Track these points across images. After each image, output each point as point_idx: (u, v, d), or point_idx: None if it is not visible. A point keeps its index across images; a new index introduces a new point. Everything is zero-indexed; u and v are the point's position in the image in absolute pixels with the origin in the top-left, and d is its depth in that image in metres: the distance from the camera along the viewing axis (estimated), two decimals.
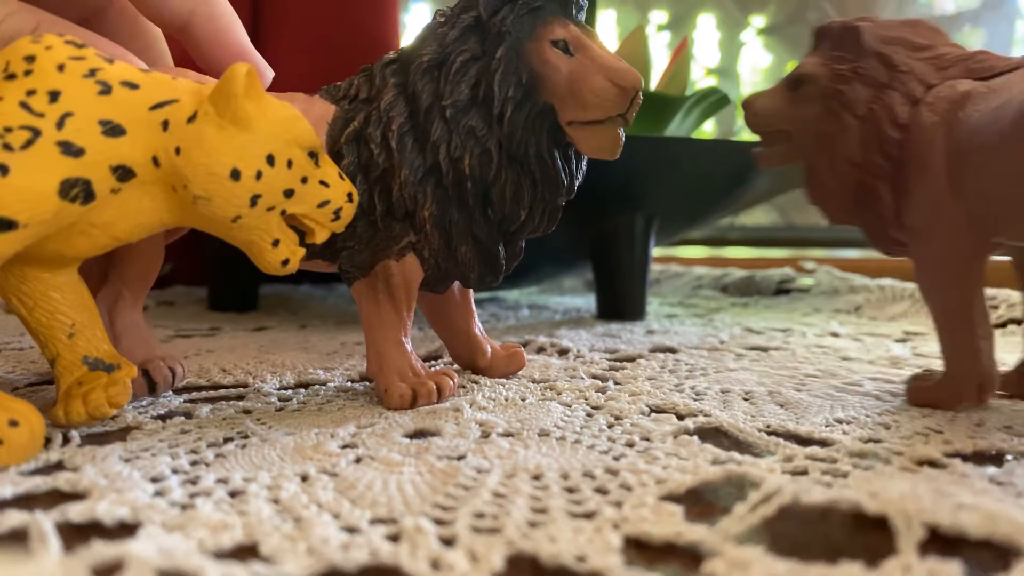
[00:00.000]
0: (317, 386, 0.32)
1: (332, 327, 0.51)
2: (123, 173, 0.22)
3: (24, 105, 0.21)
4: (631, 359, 0.38)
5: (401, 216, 0.28)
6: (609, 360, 0.38)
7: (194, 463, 0.22)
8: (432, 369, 0.30)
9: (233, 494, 0.19)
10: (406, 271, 0.29)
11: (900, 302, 0.58)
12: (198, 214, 0.23)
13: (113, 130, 0.22)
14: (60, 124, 0.21)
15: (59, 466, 0.21)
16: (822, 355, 0.39)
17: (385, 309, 0.29)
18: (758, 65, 1.04)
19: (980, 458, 0.23)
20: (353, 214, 0.26)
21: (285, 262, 0.25)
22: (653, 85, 0.57)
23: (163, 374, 0.30)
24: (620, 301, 0.54)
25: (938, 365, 0.29)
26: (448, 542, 0.16)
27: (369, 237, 0.29)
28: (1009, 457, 0.23)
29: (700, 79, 1.04)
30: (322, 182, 0.25)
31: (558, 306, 0.64)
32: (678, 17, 1.07)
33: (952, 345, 0.28)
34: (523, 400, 0.29)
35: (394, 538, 0.17)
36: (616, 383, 0.32)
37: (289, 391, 0.31)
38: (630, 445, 0.23)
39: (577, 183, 0.30)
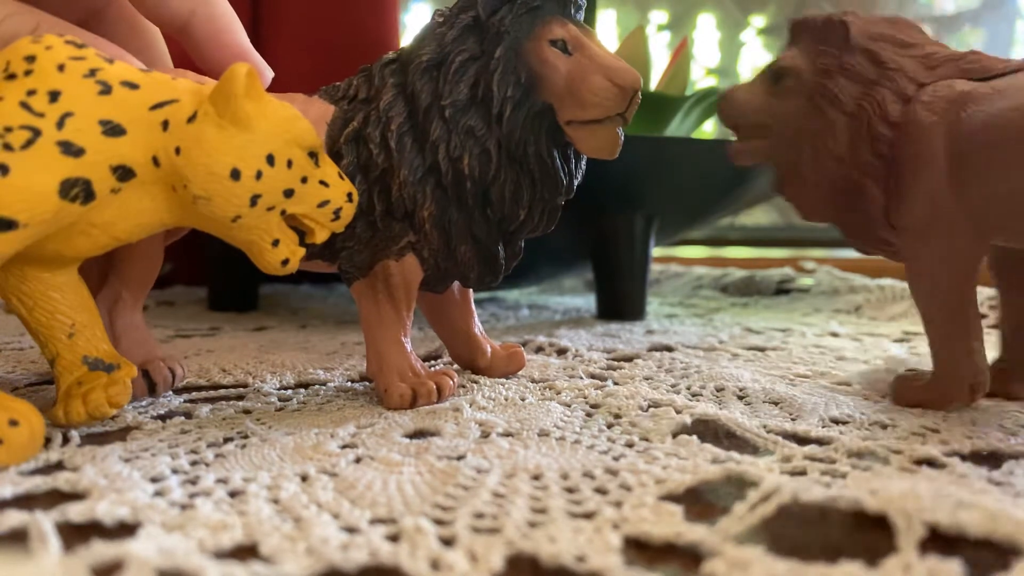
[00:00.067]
0: (317, 386, 0.32)
1: (332, 327, 0.51)
2: (123, 173, 0.22)
3: (24, 105, 0.21)
4: (629, 359, 0.38)
5: (400, 216, 0.28)
6: (607, 359, 0.38)
7: (194, 463, 0.22)
8: (432, 369, 0.30)
9: (233, 494, 0.19)
10: (406, 271, 0.29)
11: (900, 302, 0.58)
12: (198, 214, 0.23)
13: (113, 130, 0.22)
14: (60, 124, 0.21)
15: (59, 466, 0.21)
16: (819, 355, 0.40)
17: (385, 309, 0.29)
18: (758, 65, 1.04)
19: (978, 457, 0.23)
20: (353, 214, 0.26)
21: (285, 262, 0.25)
22: (653, 85, 0.57)
23: (163, 375, 0.30)
24: (620, 301, 0.54)
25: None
26: (448, 542, 0.16)
27: (368, 237, 0.29)
28: (1007, 457, 0.23)
29: (700, 79, 1.04)
30: (322, 182, 0.25)
31: (558, 306, 0.64)
32: (678, 17, 1.07)
33: (945, 345, 0.28)
34: (523, 400, 0.29)
35: (394, 538, 0.17)
36: (615, 383, 0.32)
37: (289, 391, 0.31)
38: (629, 445, 0.23)
39: (576, 183, 0.30)
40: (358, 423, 0.26)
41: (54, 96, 0.21)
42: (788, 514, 0.18)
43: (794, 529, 0.18)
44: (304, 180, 0.24)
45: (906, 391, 0.28)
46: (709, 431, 0.25)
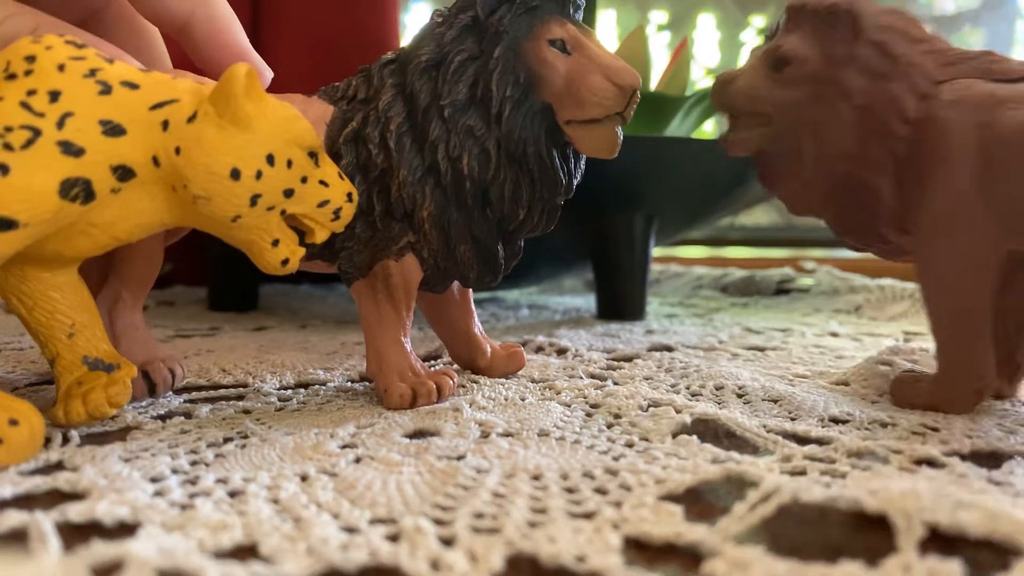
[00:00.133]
0: (317, 386, 0.32)
1: (332, 327, 0.51)
2: (123, 173, 0.22)
3: (24, 105, 0.21)
4: (629, 359, 0.38)
5: (400, 216, 0.28)
6: (607, 359, 0.38)
7: (194, 463, 0.22)
8: (432, 369, 0.30)
9: (233, 494, 0.19)
10: (405, 271, 0.29)
11: (900, 302, 0.58)
12: (198, 214, 0.23)
13: (113, 130, 0.22)
14: (60, 124, 0.21)
15: (59, 466, 0.21)
16: (819, 355, 0.40)
17: (384, 309, 0.29)
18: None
19: (978, 457, 0.23)
20: (353, 214, 0.26)
21: (285, 262, 0.25)
22: (653, 85, 0.57)
23: (163, 375, 0.30)
24: (620, 301, 0.54)
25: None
26: (448, 542, 0.16)
27: (368, 237, 0.29)
28: (1007, 456, 0.23)
29: (700, 79, 1.04)
30: (322, 182, 0.25)
31: (558, 306, 0.64)
32: (678, 17, 1.07)
33: (955, 348, 0.27)
34: (523, 400, 0.29)
35: (394, 538, 0.17)
36: (615, 383, 0.32)
37: (289, 391, 0.31)
38: (629, 445, 0.23)
39: (576, 182, 0.30)
40: (358, 423, 0.26)
41: (54, 96, 0.21)
42: (788, 514, 0.18)
43: (794, 529, 0.18)
44: (304, 180, 0.24)
45: (907, 392, 0.28)
46: (709, 431, 0.25)
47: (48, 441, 0.23)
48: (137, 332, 0.31)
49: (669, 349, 0.41)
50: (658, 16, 1.08)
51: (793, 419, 0.27)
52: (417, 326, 0.48)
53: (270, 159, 0.23)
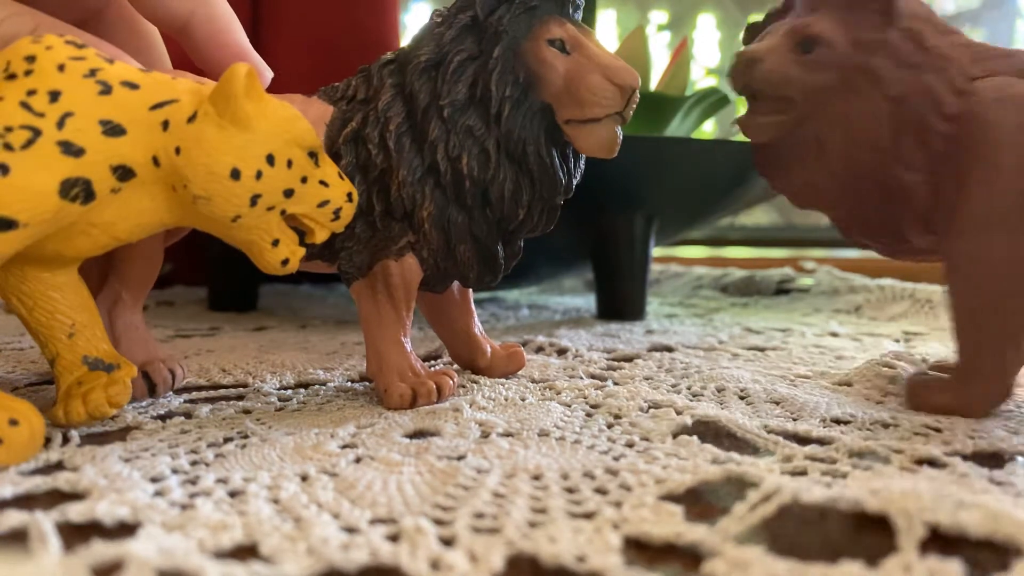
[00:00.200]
0: (317, 386, 0.32)
1: (332, 327, 0.51)
2: (123, 173, 0.22)
3: (24, 105, 0.21)
4: (629, 359, 0.38)
5: (400, 216, 0.28)
6: (607, 360, 0.38)
7: (194, 463, 0.22)
8: (432, 369, 0.30)
9: (233, 494, 0.19)
10: (405, 271, 0.29)
11: (900, 302, 0.58)
12: (198, 214, 0.23)
13: (113, 130, 0.22)
14: (60, 124, 0.21)
15: (59, 466, 0.21)
16: (819, 355, 0.39)
17: (384, 309, 0.29)
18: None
19: (980, 457, 0.22)
20: (353, 214, 0.26)
21: (285, 262, 0.25)
22: (653, 85, 0.57)
23: (163, 376, 0.30)
24: (620, 301, 0.54)
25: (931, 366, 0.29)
26: (448, 542, 0.16)
27: (368, 237, 0.29)
28: (1009, 456, 0.23)
29: (700, 79, 1.04)
30: (322, 182, 0.25)
31: (558, 306, 0.64)
32: (678, 17, 1.07)
33: (984, 352, 0.26)
34: (523, 400, 0.29)
35: (394, 538, 0.17)
36: (615, 383, 0.32)
37: (289, 391, 0.31)
38: (630, 445, 0.23)
39: (575, 182, 0.30)
40: (358, 423, 0.26)
41: (54, 96, 0.21)
42: (788, 514, 0.18)
43: (794, 529, 0.18)
44: (304, 180, 0.24)
45: (924, 395, 0.27)
46: (710, 432, 0.25)
47: (48, 441, 0.23)
48: (137, 332, 0.31)
49: (669, 349, 0.41)
50: (658, 16, 1.08)
51: (795, 419, 0.27)
52: (417, 326, 0.48)
53: (270, 159, 0.23)
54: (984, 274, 0.25)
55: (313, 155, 0.24)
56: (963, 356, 0.27)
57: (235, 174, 0.23)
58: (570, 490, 0.19)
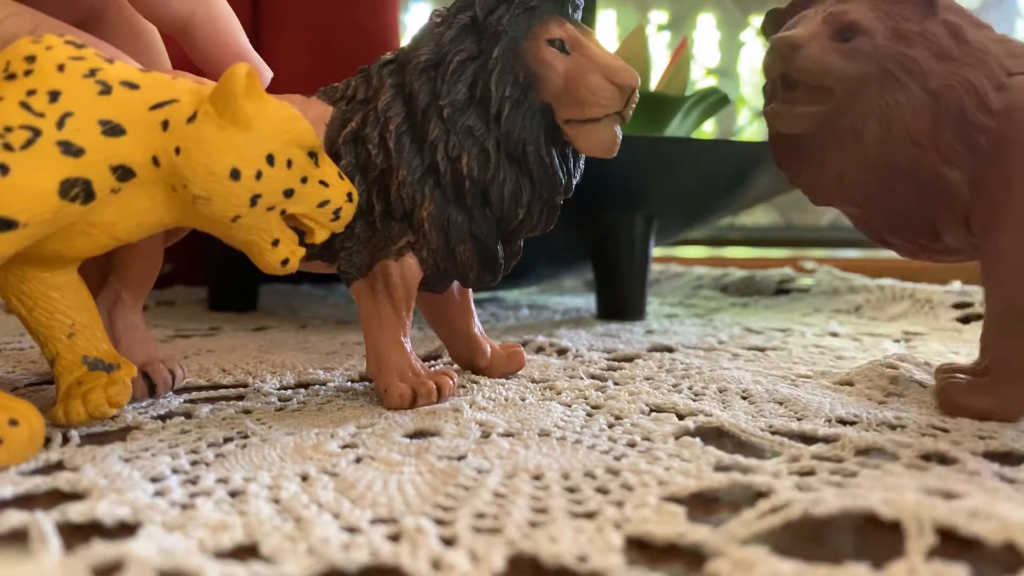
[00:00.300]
0: (317, 386, 0.32)
1: (332, 327, 0.51)
2: (123, 173, 0.22)
3: (24, 105, 0.21)
4: (629, 359, 0.38)
5: (399, 216, 0.28)
6: (607, 360, 0.38)
7: (194, 463, 0.22)
8: (432, 369, 0.30)
9: (233, 494, 0.19)
10: (405, 271, 0.29)
11: (900, 302, 0.58)
12: (198, 214, 0.23)
13: (113, 130, 0.22)
14: (60, 124, 0.21)
15: (59, 466, 0.21)
16: (819, 355, 0.39)
17: (384, 309, 0.29)
18: (758, 65, 1.04)
19: (991, 457, 0.22)
20: (353, 214, 0.26)
21: (285, 262, 0.25)
22: (653, 85, 0.57)
23: (163, 376, 0.30)
24: (620, 301, 0.54)
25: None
26: (449, 542, 0.16)
27: (368, 237, 0.29)
28: (1021, 456, 0.22)
29: (700, 79, 1.04)
30: (322, 182, 0.25)
31: (558, 306, 0.64)
32: (678, 17, 1.07)
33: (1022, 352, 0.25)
34: (523, 400, 0.29)
35: (394, 538, 0.17)
36: (615, 383, 0.32)
37: (289, 391, 0.31)
38: (631, 445, 0.23)
39: (575, 182, 0.30)
40: (358, 423, 0.26)
41: (54, 96, 0.21)
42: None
43: (798, 529, 0.17)
44: (304, 180, 0.24)
45: (959, 399, 0.26)
46: (712, 432, 0.25)
47: (48, 441, 0.23)
48: (137, 332, 0.31)
49: (669, 349, 0.41)
50: (658, 16, 1.08)
51: (799, 419, 0.26)
52: (417, 326, 0.48)
53: (270, 159, 0.23)
54: None
55: (313, 155, 0.24)
56: (1000, 358, 0.26)
57: (235, 174, 0.22)
58: (571, 490, 0.19)
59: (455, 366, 0.35)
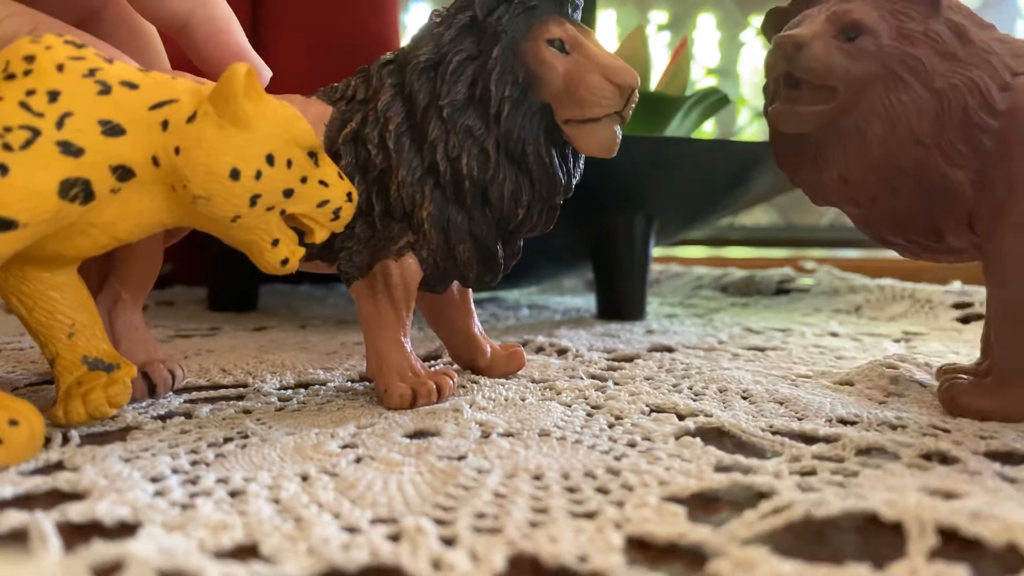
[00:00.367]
0: (317, 386, 0.32)
1: (332, 327, 0.51)
2: (123, 173, 0.22)
3: (24, 105, 0.21)
4: (629, 359, 0.38)
5: (399, 216, 0.28)
6: (607, 360, 0.38)
7: (194, 463, 0.22)
8: (432, 369, 0.30)
9: (233, 494, 0.19)
10: (405, 271, 0.29)
11: (900, 302, 0.58)
12: (198, 214, 0.23)
13: (113, 130, 0.22)
14: (60, 124, 0.21)
15: (59, 466, 0.21)
16: (819, 355, 0.39)
17: (384, 309, 0.29)
18: (758, 65, 1.04)
19: (992, 457, 0.22)
20: (352, 214, 0.26)
21: (284, 262, 0.25)
22: (653, 85, 0.57)
23: (163, 376, 0.30)
24: (620, 301, 0.54)
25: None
26: (449, 542, 0.16)
27: (367, 237, 0.29)
28: (1020, 458, 0.22)
29: (700, 79, 1.04)
30: (321, 182, 0.25)
31: (558, 306, 0.64)
32: (678, 17, 1.07)
33: None
34: (523, 400, 0.29)
35: (395, 538, 0.17)
36: (615, 383, 0.32)
37: (289, 391, 0.31)
38: (631, 445, 0.23)
39: (575, 182, 0.30)
40: (358, 423, 0.26)
41: (53, 96, 0.21)
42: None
43: (799, 529, 0.17)
44: (304, 180, 0.24)
45: (964, 399, 0.26)
46: (712, 432, 0.25)
47: (48, 441, 0.23)
48: (137, 332, 0.31)
49: (669, 349, 0.41)
50: (658, 16, 1.08)
51: (800, 419, 0.26)
52: (417, 326, 0.48)
53: (270, 159, 0.23)
54: None
55: (313, 155, 0.24)
56: (1003, 359, 0.26)
57: (235, 174, 0.22)
58: (571, 490, 0.19)
59: (455, 366, 0.35)
